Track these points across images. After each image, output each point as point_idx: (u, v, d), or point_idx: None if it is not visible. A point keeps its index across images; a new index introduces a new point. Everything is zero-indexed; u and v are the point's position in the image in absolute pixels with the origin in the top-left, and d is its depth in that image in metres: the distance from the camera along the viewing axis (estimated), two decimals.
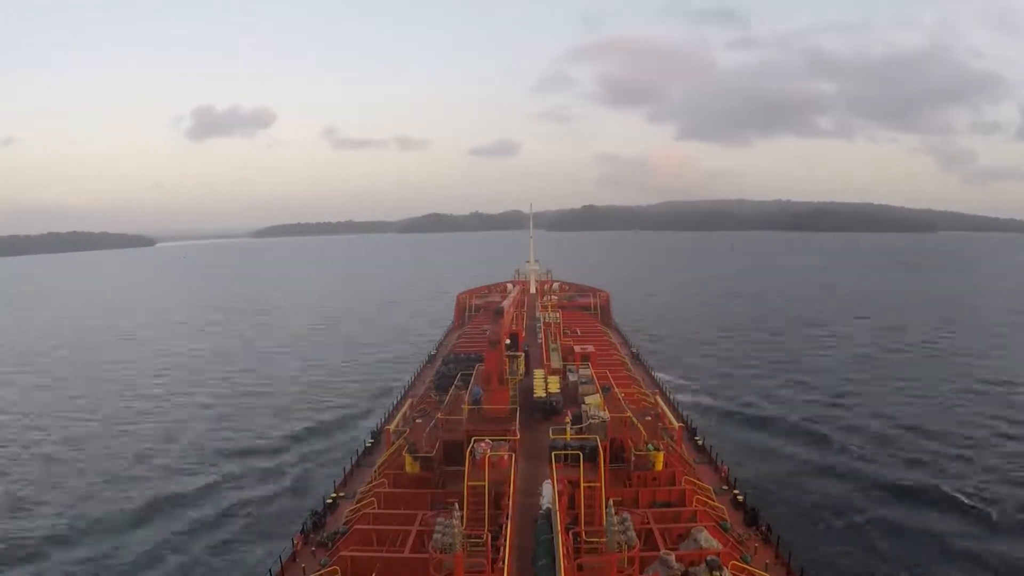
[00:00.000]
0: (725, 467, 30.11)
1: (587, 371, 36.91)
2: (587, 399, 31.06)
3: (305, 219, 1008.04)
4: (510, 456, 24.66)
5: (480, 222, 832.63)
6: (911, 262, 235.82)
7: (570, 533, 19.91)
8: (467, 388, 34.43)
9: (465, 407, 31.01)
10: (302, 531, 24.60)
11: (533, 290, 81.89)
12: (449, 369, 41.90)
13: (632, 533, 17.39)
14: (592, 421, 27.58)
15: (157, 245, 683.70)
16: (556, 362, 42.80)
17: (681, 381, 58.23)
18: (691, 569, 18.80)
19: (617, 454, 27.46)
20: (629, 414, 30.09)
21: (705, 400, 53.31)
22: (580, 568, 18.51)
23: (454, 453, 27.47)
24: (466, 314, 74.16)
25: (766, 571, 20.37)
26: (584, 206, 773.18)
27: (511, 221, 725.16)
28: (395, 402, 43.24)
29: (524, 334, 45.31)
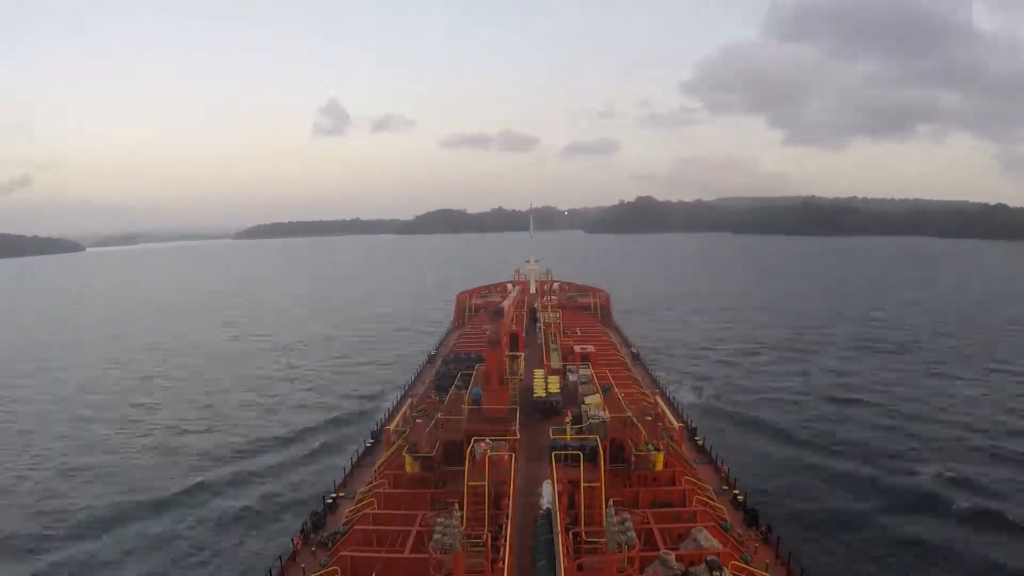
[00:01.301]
0: (725, 467, 30.10)
1: (587, 371, 36.94)
2: (587, 399, 31.07)
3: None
4: (510, 456, 24.67)
5: (501, 219, 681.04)
6: None
7: (570, 533, 19.92)
8: (467, 388, 34.45)
9: (465, 407, 31.03)
10: (302, 531, 24.58)
11: (533, 290, 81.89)
12: (449, 369, 41.91)
13: (632, 533, 17.38)
14: (592, 421, 27.58)
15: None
16: (556, 362, 42.84)
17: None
18: (691, 569, 18.79)
19: (617, 454, 27.47)
20: (629, 414, 30.11)
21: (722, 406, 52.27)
22: (580, 568, 18.50)
23: (454, 453, 27.48)
24: (466, 314, 74.16)
25: (766, 571, 20.36)
26: (638, 198, 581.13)
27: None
28: (395, 402, 43.20)
29: (524, 334, 45.34)
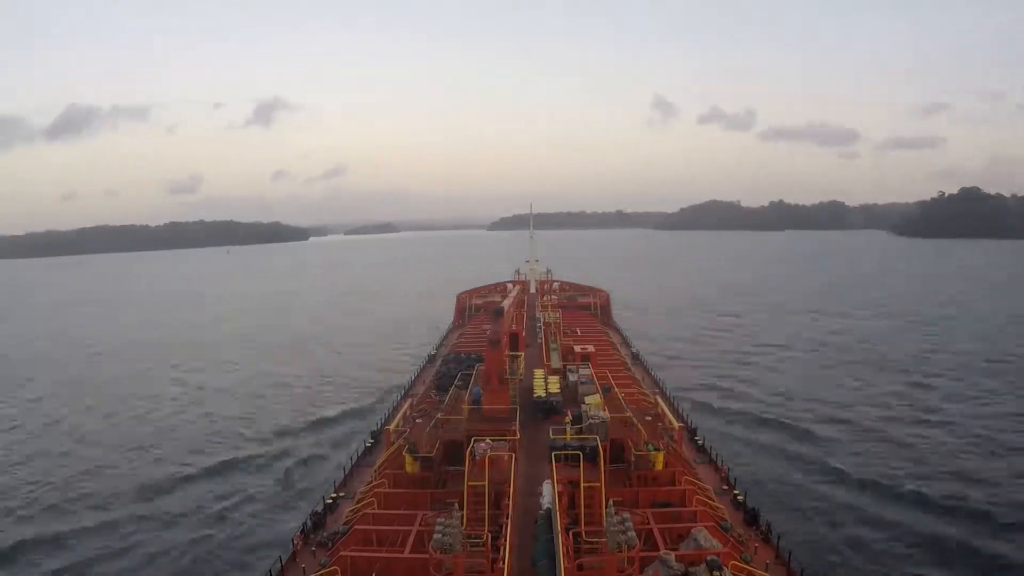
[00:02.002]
0: (725, 467, 30.11)
1: (587, 371, 36.94)
2: (587, 399, 31.06)
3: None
4: (510, 456, 24.67)
5: (781, 215, 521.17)
6: None
7: (570, 533, 19.90)
8: (467, 388, 34.45)
9: (465, 407, 31.04)
10: (302, 531, 24.58)
11: (533, 290, 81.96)
12: (449, 369, 41.93)
13: (632, 533, 17.39)
14: (592, 421, 27.57)
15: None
16: (556, 362, 42.86)
17: None
18: (691, 569, 18.78)
19: (617, 454, 27.46)
20: (629, 414, 30.11)
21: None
22: (580, 568, 18.50)
23: (454, 453, 27.48)
24: (466, 314, 74.22)
25: (766, 571, 20.35)
26: (962, 189, 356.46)
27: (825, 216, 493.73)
28: (395, 402, 43.23)
29: (524, 334, 45.32)
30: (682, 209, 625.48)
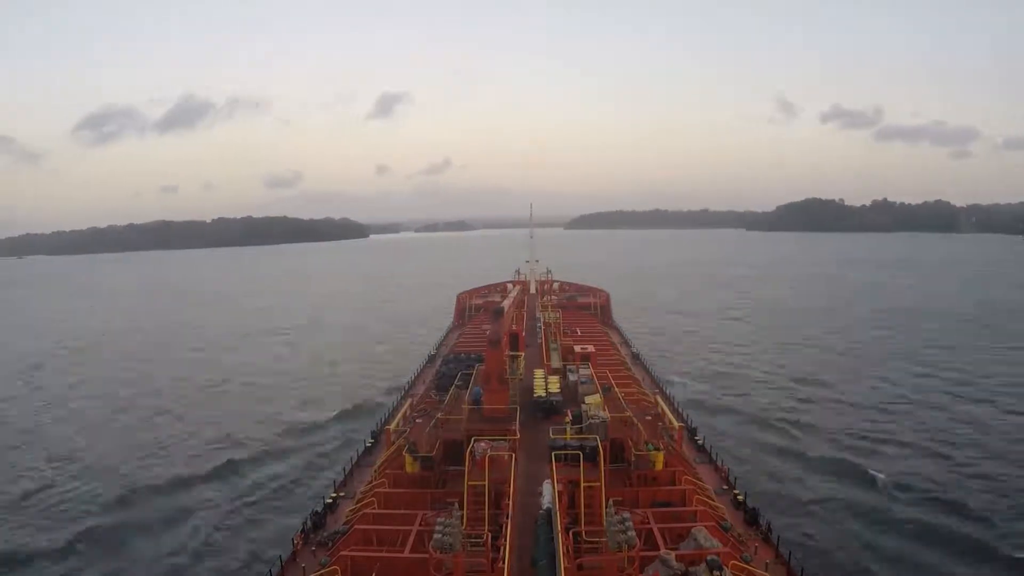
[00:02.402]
0: (725, 467, 30.12)
1: (587, 371, 36.94)
2: (587, 399, 31.08)
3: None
4: (510, 456, 24.68)
5: (885, 214, 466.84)
6: None
7: (570, 533, 19.92)
8: (467, 388, 34.46)
9: (465, 407, 31.04)
10: (302, 531, 24.59)
11: (533, 290, 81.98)
12: (449, 369, 41.92)
13: (632, 533, 17.41)
14: (592, 421, 27.58)
15: None
16: (556, 362, 42.86)
17: None
18: (691, 569, 18.79)
19: (617, 454, 27.47)
20: (629, 414, 30.13)
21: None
22: (580, 568, 18.52)
23: (454, 453, 27.48)
24: (466, 314, 74.23)
25: (766, 571, 20.36)
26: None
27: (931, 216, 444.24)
28: (395, 402, 43.23)
29: (524, 334, 45.31)
30: (778, 207, 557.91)
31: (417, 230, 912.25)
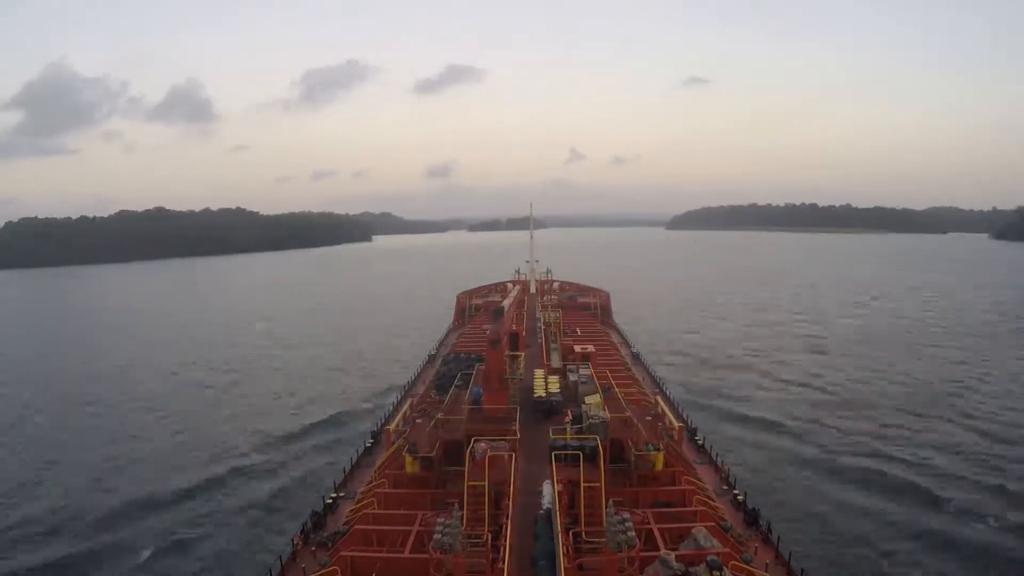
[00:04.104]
0: (725, 467, 30.10)
1: (587, 371, 36.93)
2: (587, 399, 31.05)
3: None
4: (510, 456, 24.66)
5: None
6: None
7: (570, 533, 19.90)
8: (467, 388, 34.44)
9: (465, 407, 31.02)
10: (302, 531, 24.56)
11: (533, 290, 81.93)
12: (449, 369, 41.90)
13: (632, 533, 17.38)
14: (592, 421, 27.54)
15: None
16: (556, 362, 42.84)
17: None
18: (691, 569, 18.76)
19: (617, 454, 27.45)
20: (629, 414, 30.10)
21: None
22: (580, 568, 18.50)
23: (454, 453, 27.45)
24: (466, 314, 74.17)
25: (766, 571, 20.34)
26: None
27: None
28: (395, 402, 43.20)
29: (524, 334, 45.29)
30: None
31: (470, 229, 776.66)
